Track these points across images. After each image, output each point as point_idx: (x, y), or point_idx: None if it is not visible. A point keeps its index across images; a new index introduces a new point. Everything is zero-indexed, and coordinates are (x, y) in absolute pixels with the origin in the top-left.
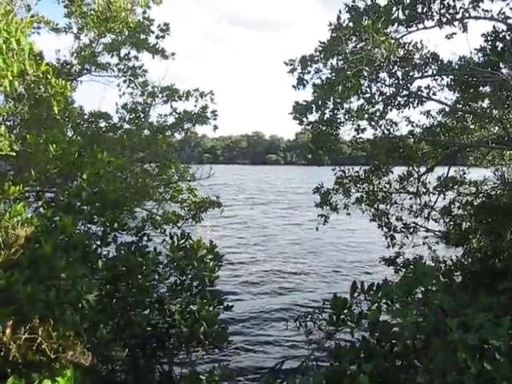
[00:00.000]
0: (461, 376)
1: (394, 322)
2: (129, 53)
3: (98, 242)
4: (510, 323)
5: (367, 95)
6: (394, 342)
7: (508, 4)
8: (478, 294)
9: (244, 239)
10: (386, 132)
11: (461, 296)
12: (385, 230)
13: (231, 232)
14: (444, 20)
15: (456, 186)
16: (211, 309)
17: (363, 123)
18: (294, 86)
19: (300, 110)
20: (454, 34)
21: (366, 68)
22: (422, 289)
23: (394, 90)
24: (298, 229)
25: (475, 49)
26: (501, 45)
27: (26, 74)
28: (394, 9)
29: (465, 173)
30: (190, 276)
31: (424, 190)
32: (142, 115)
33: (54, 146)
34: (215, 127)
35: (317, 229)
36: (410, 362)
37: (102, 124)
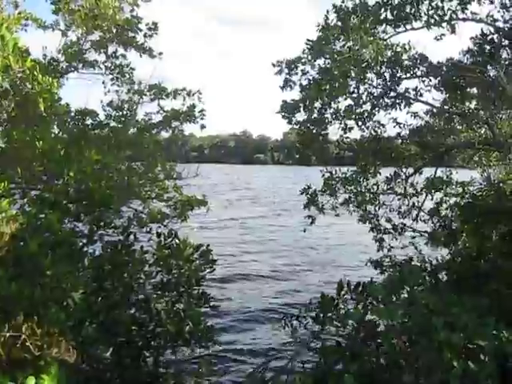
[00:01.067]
0: (446, 375)
1: (380, 321)
2: (116, 51)
3: (84, 240)
4: (494, 324)
5: (354, 95)
6: (379, 341)
7: (496, 7)
8: (463, 294)
9: (232, 239)
10: (373, 133)
11: (446, 296)
12: (374, 233)
13: (219, 232)
14: (432, 21)
15: (443, 187)
16: (197, 308)
17: (350, 122)
18: (281, 88)
19: (288, 110)
20: (443, 35)
21: (354, 68)
22: (408, 289)
23: (381, 90)
24: (288, 229)
25: (463, 51)
26: (488, 47)
27: (10, 70)
28: (383, 9)
29: (451, 173)
30: (176, 275)
31: (412, 191)
32: (129, 113)
33: (40, 143)
34: (202, 126)
35: (304, 230)
36: (396, 362)
37: (89, 121)
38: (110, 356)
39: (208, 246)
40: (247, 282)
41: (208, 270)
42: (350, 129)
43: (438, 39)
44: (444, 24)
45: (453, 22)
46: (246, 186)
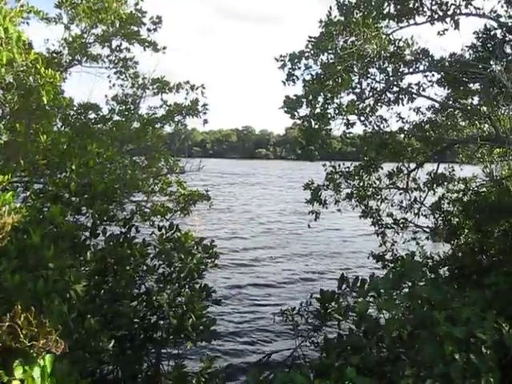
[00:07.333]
0: (447, 368)
1: (381, 314)
2: (120, 44)
3: (87, 234)
4: (494, 317)
5: (357, 90)
6: (380, 334)
7: (500, 2)
8: (464, 289)
9: (235, 233)
10: (376, 128)
11: (448, 290)
12: (376, 227)
13: (223, 225)
14: (436, 16)
15: (445, 183)
16: (200, 301)
17: (353, 117)
18: (283, 82)
19: (291, 104)
20: (446, 30)
21: (357, 63)
22: (409, 283)
23: (384, 85)
24: (291, 224)
25: (466, 46)
26: (491, 42)
27: (14, 63)
28: (386, 4)
29: (454, 169)
30: (177, 268)
31: (414, 186)
32: (132, 107)
33: (43, 136)
34: (205, 121)
35: (309, 226)
36: (397, 355)
37: (92, 115)
38: (112, 348)
39: (212, 241)
40: (247, 272)
41: (213, 265)
42: (353, 124)
43: (440, 34)
44: (447, 19)
45: (456, 18)
46: (253, 180)
